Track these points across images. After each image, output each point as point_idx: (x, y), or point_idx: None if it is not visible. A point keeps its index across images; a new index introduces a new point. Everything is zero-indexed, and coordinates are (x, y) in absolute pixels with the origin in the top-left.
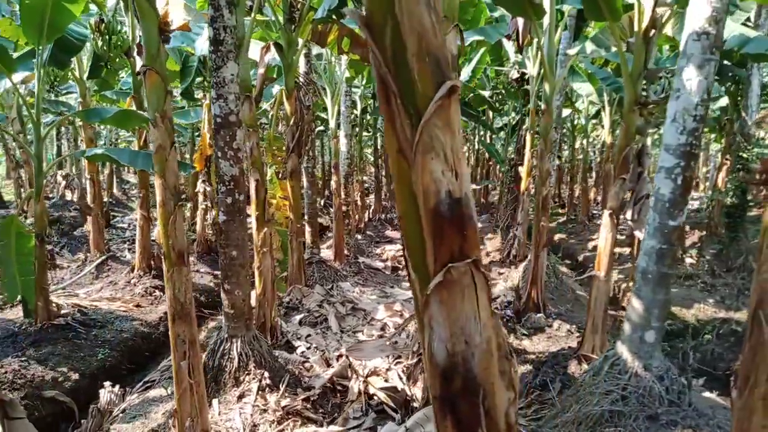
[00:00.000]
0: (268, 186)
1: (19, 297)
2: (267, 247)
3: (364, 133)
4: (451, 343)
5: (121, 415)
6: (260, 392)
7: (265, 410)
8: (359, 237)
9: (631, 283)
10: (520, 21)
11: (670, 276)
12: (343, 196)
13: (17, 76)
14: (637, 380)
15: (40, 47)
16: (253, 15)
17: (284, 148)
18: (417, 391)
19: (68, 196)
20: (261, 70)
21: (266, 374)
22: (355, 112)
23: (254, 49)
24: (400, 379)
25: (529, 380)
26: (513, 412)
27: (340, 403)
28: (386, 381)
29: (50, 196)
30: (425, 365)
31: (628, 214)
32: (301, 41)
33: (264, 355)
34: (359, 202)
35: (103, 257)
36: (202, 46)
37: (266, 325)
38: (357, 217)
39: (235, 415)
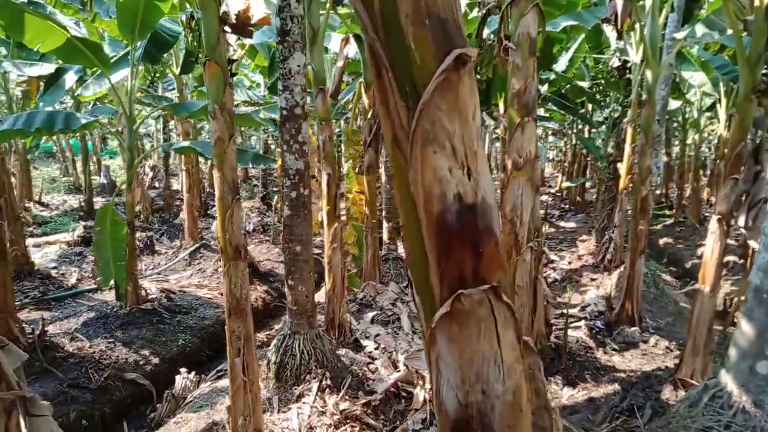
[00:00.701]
0: (346, 180)
1: (112, 281)
2: (337, 243)
3: None
4: (463, 392)
5: (190, 401)
6: (320, 393)
7: (323, 412)
8: None
9: (743, 297)
10: (619, 2)
11: None
12: None
13: (116, 74)
14: (745, 418)
15: (135, 44)
16: (327, 7)
17: (361, 143)
18: None
19: (157, 185)
20: (340, 63)
21: (327, 374)
22: None
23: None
24: None
25: (615, 403)
26: None
27: (403, 411)
28: None
29: (156, 186)
30: (435, 412)
31: (741, 221)
32: None
33: (326, 354)
34: None
35: (197, 245)
36: None
37: (335, 322)
38: None
39: (293, 415)
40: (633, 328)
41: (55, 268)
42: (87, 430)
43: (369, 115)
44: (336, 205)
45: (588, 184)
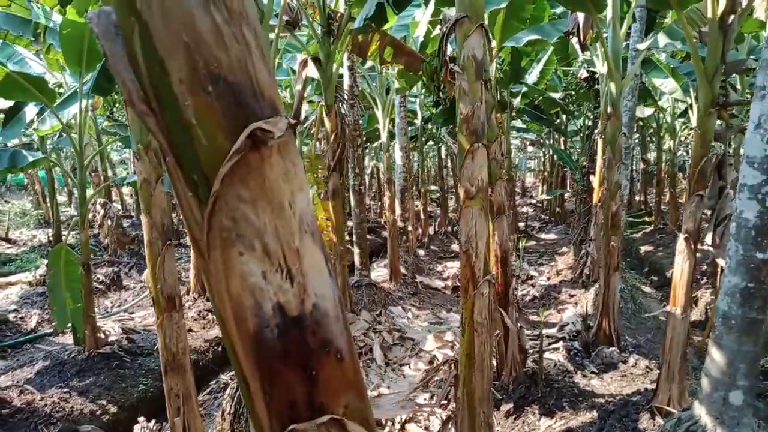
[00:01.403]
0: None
1: (69, 325)
2: None
3: (430, 143)
4: None
5: None
6: None
7: None
8: (422, 253)
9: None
10: (581, 15)
11: (761, 322)
12: (399, 211)
13: (71, 108)
14: None
15: (83, 77)
16: (277, 32)
17: (325, 167)
18: None
19: (108, 223)
20: (298, 87)
21: None
22: (415, 121)
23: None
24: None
25: None
26: None
27: None
28: (426, 429)
29: (132, 215)
30: None
31: (708, 239)
32: (344, 54)
33: None
34: (422, 216)
35: None
36: None
37: None
38: (420, 231)
39: None
40: (611, 348)
41: (15, 310)
42: None
43: (332, 139)
44: None
45: (567, 194)
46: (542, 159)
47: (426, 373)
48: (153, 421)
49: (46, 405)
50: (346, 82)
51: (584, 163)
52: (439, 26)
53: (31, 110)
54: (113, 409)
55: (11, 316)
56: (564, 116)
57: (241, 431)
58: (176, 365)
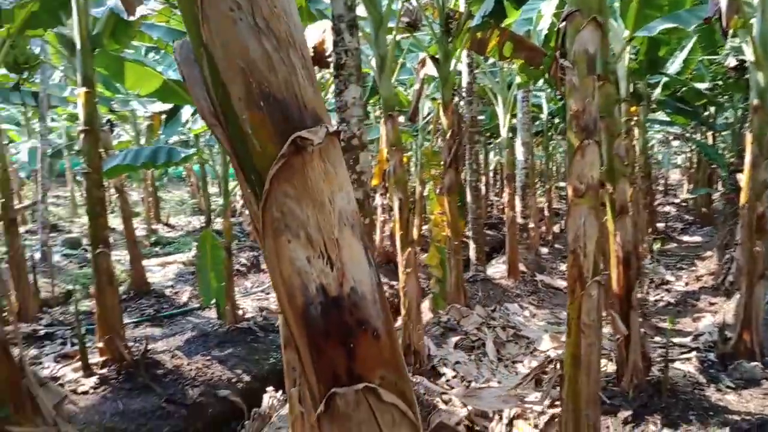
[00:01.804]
0: (427, 203)
1: (213, 301)
2: (411, 268)
3: (558, 137)
4: None
5: (273, 421)
6: None
7: None
8: (545, 251)
9: None
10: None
11: None
12: (520, 208)
13: None
14: None
15: None
16: (394, 34)
17: (442, 163)
18: None
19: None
20: (417, 86)
21: None
22: (541, 116)
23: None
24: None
25: None
26: None
27: None
28: (535, 428)
29: None
30: None
31: None
32: (462, 51)
33: None
34: (546, 213)
35: None
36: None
37: (410, 349)
38: (544, 228)
39: None
40: (753, 363)
41: (171, 286)
42: None
43: (448, 136)
44: (408, 230)
45: (716, 194)
46: (689, 154)
47: (531, 370)
48: (280, 392)
49: (191, 369)
50: (465, 79)
51: (732, 159)
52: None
53: (186, 111)
54: (247, 378)
55: (168, 291)
56: (712, 108)
57: None
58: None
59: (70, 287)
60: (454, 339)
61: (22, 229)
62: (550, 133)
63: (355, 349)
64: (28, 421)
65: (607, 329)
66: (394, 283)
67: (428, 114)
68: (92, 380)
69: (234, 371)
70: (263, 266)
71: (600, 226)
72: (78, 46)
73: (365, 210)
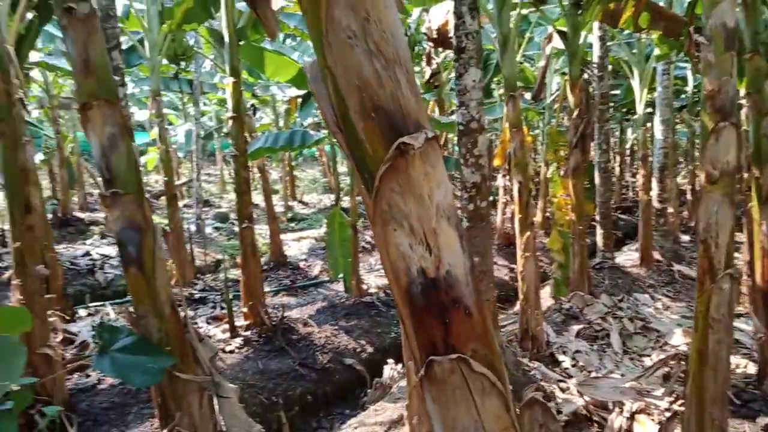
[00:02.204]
0: (551, 185)
1: (340, 275)
2: (530, 252)
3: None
4: None
5: (393, 392)
6: None
7: None
8: (686, 238)
9: None
10: None
11: None
12: (656, 191)
13: None
14: None
15: None
16: (518, 10)
17: (566, 143)
18: None
19: None
20: (542, 63)
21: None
22: (686, 89)
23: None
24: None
25: None
26: None
27: None
28: (659, 425)
29: None
30: None
31: None
32: (593, 23)
33: (508, 365)
34: (689, 197)
35: None
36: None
37: (527, 334)
38: (687, 214)
39: None
40: None
41: (304, 260)
42: (311, 405)
43: (575, 114)
44: (528, 213)
45: None
46: None
47: (653, 363)
48: (400, 365)
49: (321, 337)
50: (596, 53)
51: None
52: None
53: None
54: (370, 349)
55: (301, 264)
56: None
57: None
58: None
59: (220, 257)
60: (576, 327)
61: (179, 204)
62: (696, 109)
63: (449, 323)
64: (191, 370)
65: (749, 326)
66: (513, 266)
67: (556, 91)
68: (237, 341)
69: (358, 342)
70: None
71: (735, 215)
72: (226, 39)
73: (482, 192)
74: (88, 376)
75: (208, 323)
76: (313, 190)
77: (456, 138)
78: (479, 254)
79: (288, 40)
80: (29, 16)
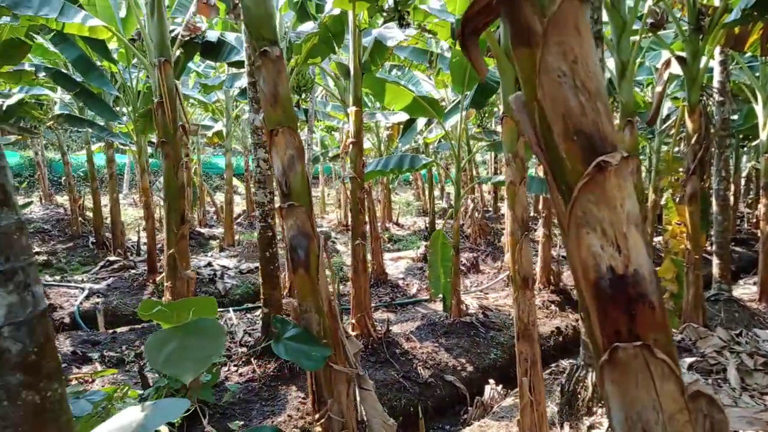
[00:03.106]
0: (665, 211)
1: (440, 295)
2: None
3: None
4: (627, 427)
5: (495, 410)
6: (611, 429)
7: None
8: None
9: None
10: None
11: None
12: None
13: (450, 120)
14: None
15: (464, 94)
16: (639, 36)
17: (683, 170)
18: None
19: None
20: (659, 89)
21: None
22: None
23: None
24: None
25: None
26: None
27: None
28: None
29: (488, 211)
30: None
31: None
32: (715, 48)
33: None
34: None
35: None
36: None
37: None
38: None
39: None
40: None
41: (402, 278)
42: (412, 417)
43: (693, 140)
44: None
45: None
46: None
47: None
48: (500, 386)
49: (423, 352)
50: (716, 77)
51: None
52: None
53: (420, 122)
54: (470, 368)
55: (400, 282)
56: None
57: (577, 407)
58: (526, 334)
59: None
60: (688, 360)
61: None
62: None
63: (635, 315)
64: (341, 363)
65: None
66: None
67: (667, 115)
68: None
69: (458, 360)
70: (482, 267)
71: None
72: (351, 71)
73: None
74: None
75: None
76: (408, 213)
77: None
78: None
79: (394, 71)
80: (177, 53)
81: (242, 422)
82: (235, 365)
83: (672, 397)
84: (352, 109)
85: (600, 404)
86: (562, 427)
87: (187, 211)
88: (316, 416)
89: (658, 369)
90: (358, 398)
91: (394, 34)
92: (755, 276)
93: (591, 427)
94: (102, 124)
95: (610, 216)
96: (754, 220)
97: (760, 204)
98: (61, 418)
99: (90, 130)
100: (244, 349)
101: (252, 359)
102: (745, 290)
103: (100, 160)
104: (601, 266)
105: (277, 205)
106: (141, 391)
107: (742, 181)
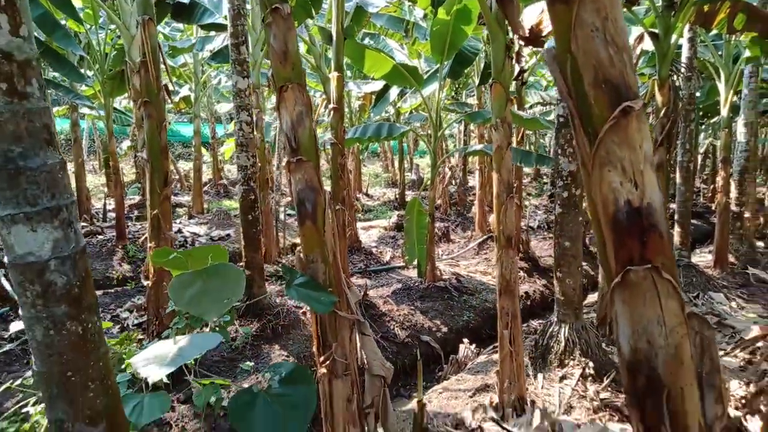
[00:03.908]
0: None
1: (415, 261)
2: None
3: None
4: (633, 340)
5: (469, 367)
6: (582, 379)
7: (583, 396)
8: (761, 244)
9: None
10: None
11: None
12: (735, 194)
13: (427, 89)
14: None
15: (443, 63)
16: None
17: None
18: (752, 426)
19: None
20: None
21: (591, 364)
22: None
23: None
24: (737, 408)
25: None
26: (719, 427)
27: None
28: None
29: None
30: (617, 353)
31: None
32: (685, 25)
33: (591, 346)
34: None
35: (485, 237)
36: None
37: (606, 319)
38: (762, 220)
39: (555, 392)
40: None
41: (375, 246)
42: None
43: (662, 113)
44: None
45: None
46: None
47: (739, 341)
48: (474, 345)
49: (399, 315)
50: (685, 54)
51: None
52: None
53: (394, 92)
54: (444, 329)
55: (374, 250)
56: None
57: (550, 360)
58: (508, 290)
59: (296, 241)
60: None
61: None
62: None
63: (646, 242)
64: (345, 310)
65: None
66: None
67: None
68: None
69: (433, 321)
70: (452, 237)
71: None
72: (334, 36)
73: (577, 181)
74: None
75: None
76: (377, 184)
77: (532, 132)
78: (570, 238)
79: (366, 39)
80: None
81: (229, 379)
82: (217, 326)
83: (674, 313)
84: (334, 75)
85: (571, 357)
86: (535, 378)
87: (170, 172)
88: (321, 359)
89: (663, 288)
90: (358, 343)
91: (375, 0)
92: (709, 246)
93: (563, 377)
94: (67, 86)
95: (630, 155)
96: (710, 194)
97: (717, 177)
98: (100, 349)
99: (54, 91)
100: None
101: (234, 320)
102: (701, 258)
103: (60, 124)
104: (619, 200)
105: (284, 161)
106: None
107: (699, 158)
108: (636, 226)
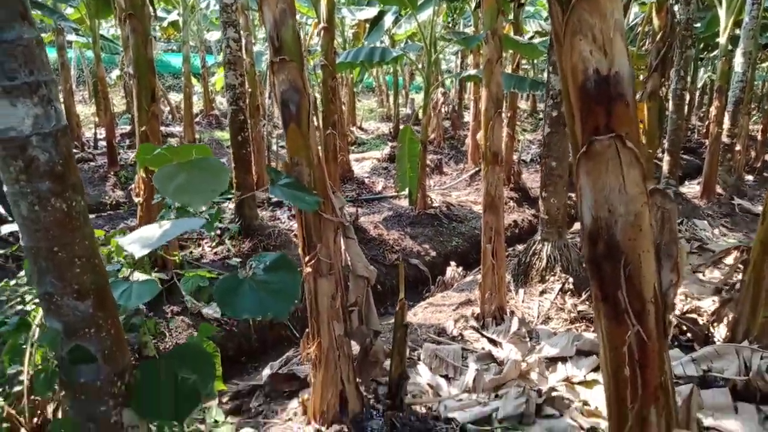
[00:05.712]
0: None
1: (407, 189)
2: None
3: None
4: (595, 209)
5: (455, 287)
6: (561, 293)
7: (561, 309)
8: (750, 178)
9: None
10: None
11: None
12: (728, 125)
13: (423, 14)
14: None
15: None
16: None
17: (645, 67)
18: (719, 332)
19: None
20: None
21: (570, 279)
22: None
23: None
24: (704, 315)
25: None
26: (673, 293)
27: None
28: (696, 315)
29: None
30: (580, 225)
31: None
32: None
33: (572, 263)
34: (759, 137)
35: (476, 169)
36: None
37: None
38: (753, 154)
39: (534, 305)
40: None
41: (368, 177)
42: (381, 295)
43: (658, 38)
44: None
45: None
46: None
47: (716, 253)
48: (461, 268)
49: (390, 239)
50: None
51: None
52: None
53: (388, 19)
54: (433, 253)
55: (366, 180)
56: None
57: (531, 276)
58: (493, 206)
59: None
60: None
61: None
62: None
63: (612, 110)
64: (329, 212)
65: None
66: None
67: (633, 18)
68: None
69: (422, 246)
70: (445, 169)
71: None
72: None
73: None
74: (191, 252)
75: (290, 219)
76: (371, 118)
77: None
78: (557, 159)
79: None
80: None
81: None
82: (209, 246)
83: (635, 182)
84: None
85: (552, 273)
86: (516, 292)
87: (156, 88)
88: (306, 258)
89: (626, 157)
90: (343, 246)
91: None
92: (698, 178)
93: (543, 291)
94: (50, 6)
95: (601, 23)
96: (704, 131)
97: (711, 107)
98: (85, 228)
99: (39, 12)
100: (218, 231)
101: (226, 239)
102: (690, 189)
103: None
104: (588, 69)
105: (268, 61)
106: None
107: (697, 93)
108: (603, 94)
